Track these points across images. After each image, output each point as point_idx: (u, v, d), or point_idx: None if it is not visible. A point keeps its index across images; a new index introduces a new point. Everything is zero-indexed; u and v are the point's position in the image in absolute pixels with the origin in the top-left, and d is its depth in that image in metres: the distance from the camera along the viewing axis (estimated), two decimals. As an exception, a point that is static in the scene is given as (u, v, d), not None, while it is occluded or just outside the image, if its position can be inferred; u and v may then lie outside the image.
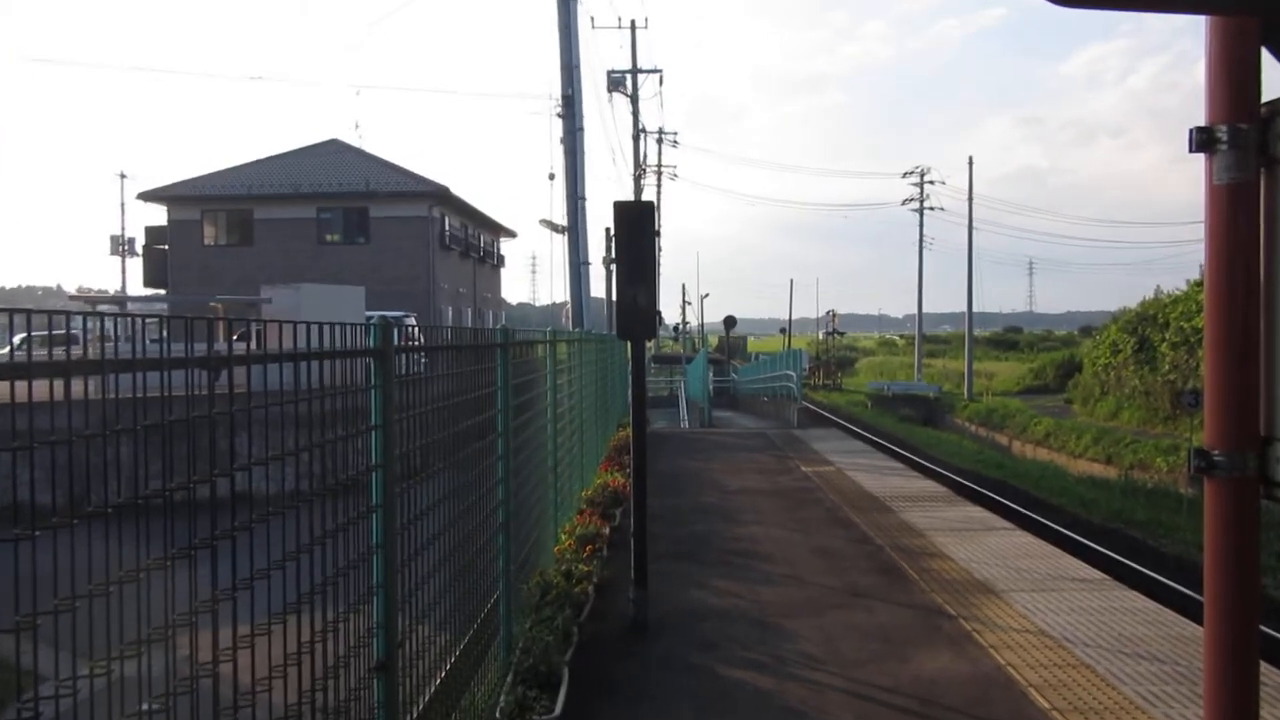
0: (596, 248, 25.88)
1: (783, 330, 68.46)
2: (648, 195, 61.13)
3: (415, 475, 3.16)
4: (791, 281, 65.70)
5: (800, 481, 11.10)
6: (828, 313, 58.12)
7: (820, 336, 66.29)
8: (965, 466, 19.91)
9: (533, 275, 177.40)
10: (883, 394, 42.60)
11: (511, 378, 4.76)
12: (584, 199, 18.13)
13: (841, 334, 57.84)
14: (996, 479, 17.86)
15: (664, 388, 40.89)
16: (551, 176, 18.18)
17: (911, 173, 49.43)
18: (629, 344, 6.41)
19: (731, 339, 59.67)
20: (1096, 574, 6.68)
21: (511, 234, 49.06)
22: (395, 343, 2.91)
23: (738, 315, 53.43)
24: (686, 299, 51.32)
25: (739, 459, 13.36)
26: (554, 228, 18.59)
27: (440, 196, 32.74)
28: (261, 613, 1.95)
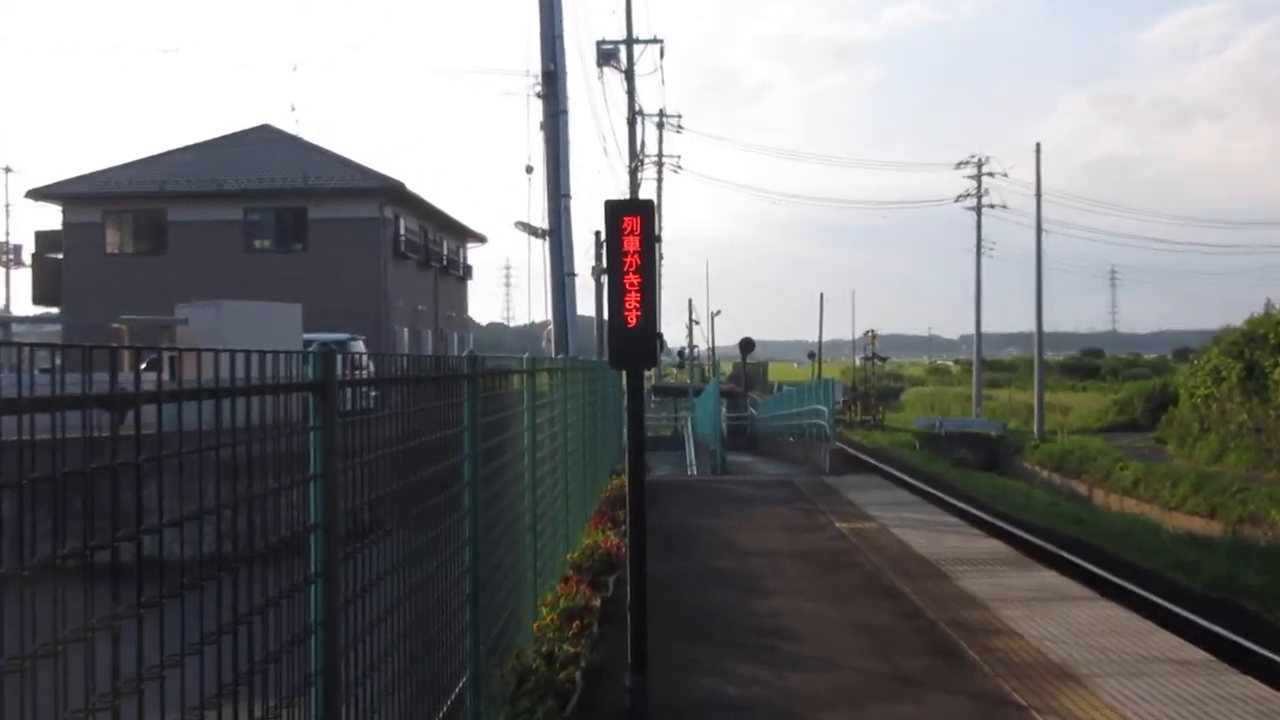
0: (584, 256, 26.09)
1: (811, 355, 68.71)
2: (646, 192, 61.62)
3: (364, 536, 3.15)
4: (822, 296, 65.57)
5: (834, 541, 11.10)
6: (866, 333, 58.30)
7: (857, 362, 66.49)
8: (1036, 522, 19.91)
9: (507, 290, 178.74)
10: (934, 432, 42.62)
11: (481, 416, 4.77)
12: (568, 196, 18.25)
13: (883, 359, 58.01)
14: (1074, 537, 17.87)
15: (667, 426, 40.93)
16: (529, 170, 18.33)
17: (967, 163, 49.83)
18: (624, 374, 6.42)
19: (749, 366, 59.83)
20: (1200, 654, 6.68)
21: (481, 239, 49.35)
22: (339, 374, 2.91)
23: (756, 337, 53.56)
24: (693, 317, 51.56)
25: (759, 513, 13.36)
26: (533, 232, 18.70)
27: (394, 194, 32.99)
28: (173, 709, 1.93)
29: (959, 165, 51.03)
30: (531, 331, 26.96)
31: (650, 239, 6.58)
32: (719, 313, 61.25)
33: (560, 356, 11.34)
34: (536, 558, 6.80)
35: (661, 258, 63.55)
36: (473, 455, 4.67)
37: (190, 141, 35.84)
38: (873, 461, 30.94)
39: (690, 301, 49.58)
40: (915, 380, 76.95)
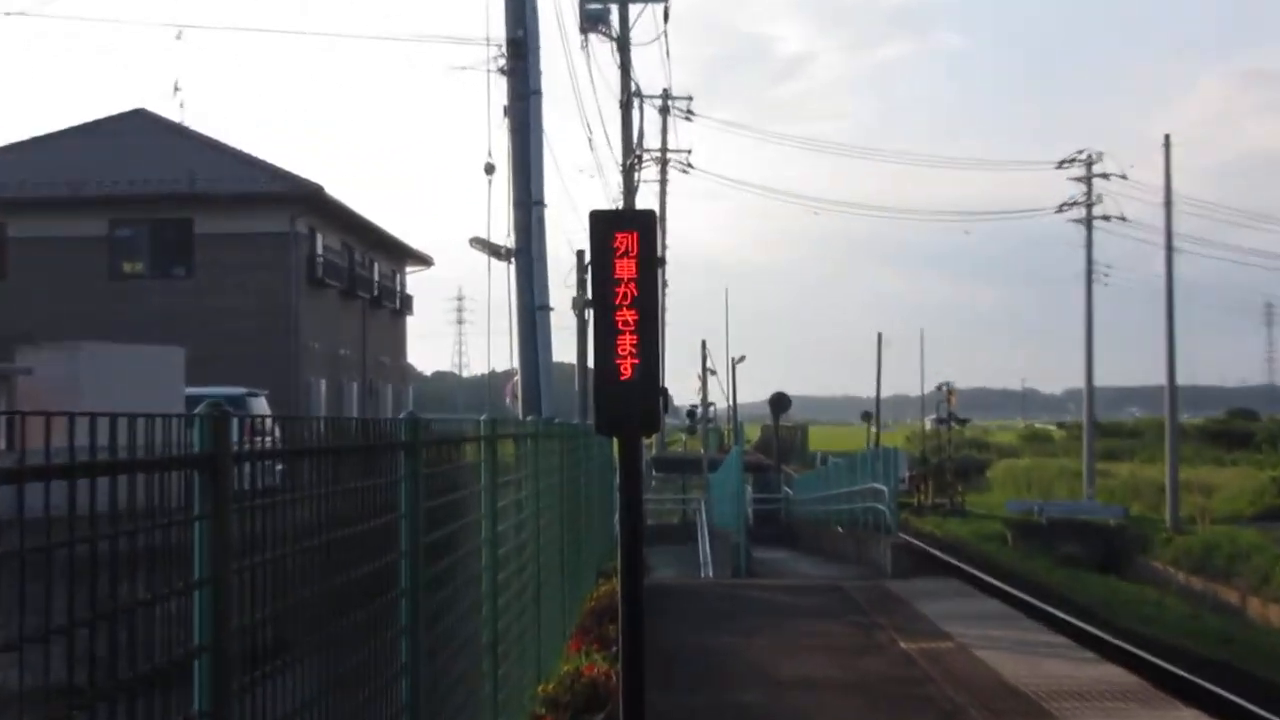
0: (563, 284, 26.18)
1: (866, 417, 68.66)
2: (645, 199, 62.08)
3: (266, 662, 3.14)
4: (880, 337, 65.28)
5: (899, 667, 11.07)
6: (940, 388, 58.32)
7: (928, 426, 66.49)
8: (1170, 641, 19.84)
9: (459, 328, 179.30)
10: (1032, 520, 42.54)
11: (424, 499, 4.78)
12: (542, 205, 18.40)
13: (962, 422, 58.02)
14: (1222, 662, 17.86)
15: (673, 511, 40.84)
16: (490, 170, 18.49)
17: (1073, 161, 49.95)
18: (615, 442, 6.45)
19: (783, 431, 59.74)
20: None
21: (425, 261, 49.60)
22: (235, 443, 2.93)
23: (793, 392, 53.73)
24: (709, 365, 51.72)
25: (797, 630, 13.33)
26: (494, 251, 18.81)
27: (311, 201, 33.34)
28: None
29: (1062, 164, 50.79)
30: (492, 384, 27.00)
31: (651, 261, 6.62)
32: (742, 359, 61.32)
33: (531, 419, 11.37)
34: (497, 689, 6.75)
35: (665, 286, 63.88)
36: (412, 552, 4.67)
37: (39, 132, 36.12)
38: (949, 560, 30.84)
39: (704, 345, 49.75)
40: (1005, 450, 76.90)
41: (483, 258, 19.49)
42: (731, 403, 60.59)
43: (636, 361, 6.38)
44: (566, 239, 67.35)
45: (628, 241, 6.54)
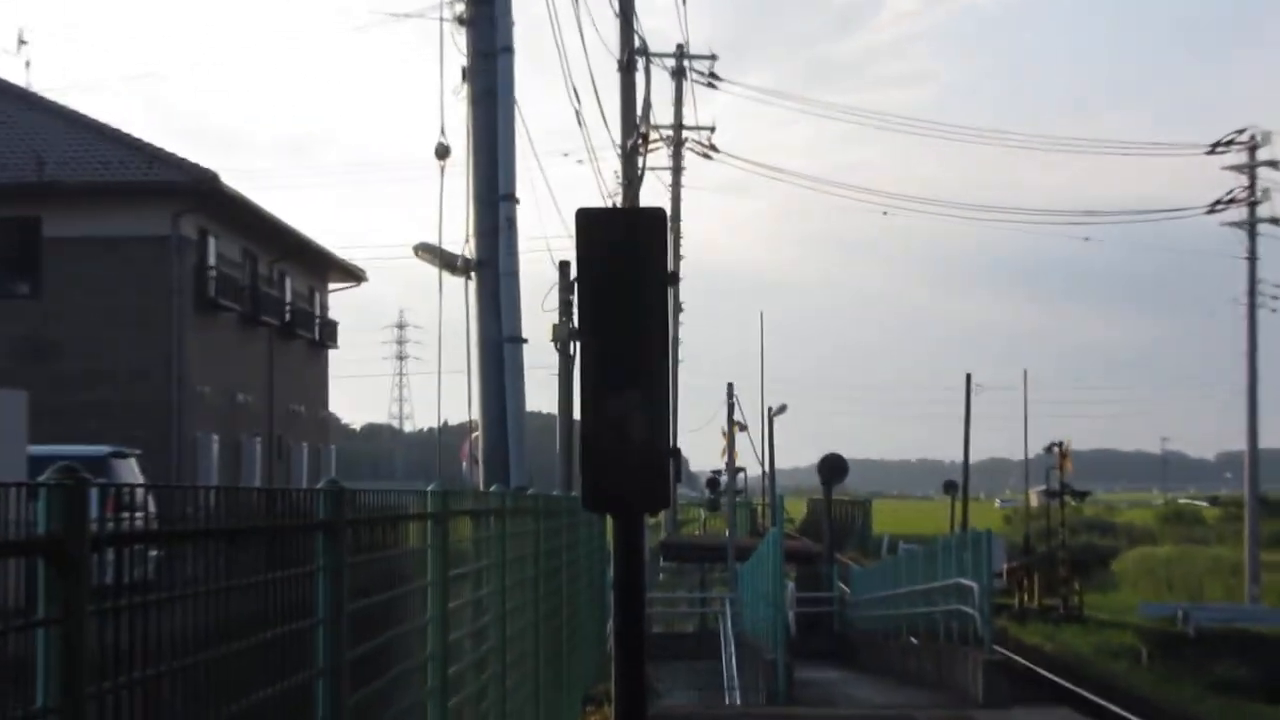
0: (539, 307, 26.15)
1: (951, 488, 68.22)
2: (651, 193, 62.16)
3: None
4: (969, 381, 65.01)
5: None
6: (1050, 449, 58.20)
7: (1034, 500, 66.43)
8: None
9: (399, 366, 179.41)
10: (1175, 629, 42.39)
11: (349, 599, 4.79)
12: (513, 200, 18.46)
13: (1081, 495, 57.87)
14: None
15: (688, 615, 40.66)
16: (443, 153, 18.55)
17: (1229, 143, 49.44)
18: (609, 521, 6.43)
19: (837, 506, 59.51)
20: None
21: (355, 276, 49.58)
22: (95, 521, 2.93)
23: (851, 454, 53.63)
24: (737, 417, 51.59)
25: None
26: (448, 263, 18.85)
27: (201, 194, 33.31)
28: None
29: (1216, 147, 50.15)
30: (444, 443, 27.01)
31: (658, 276, 6.63)
32: (782, 410, 61.17)
33: (496, 489, 11.35)
34: None
35: (679, 309, 63.86)
36: (332, 671, 4.66)
37: None
38: (1063, 683, 30.74)
39: (731, 389, 49.67)
40: (1139, 534, 76.70)
41: (432, 272, 19.52)
42: (768, 469, 60.39)
43: (638, 413, 6.42)
44: (546, 246, 67.44)
45: (628, 250, 6.59)
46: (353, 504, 4.91)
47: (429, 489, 6.74)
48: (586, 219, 6.58)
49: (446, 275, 19.05)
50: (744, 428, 51.98)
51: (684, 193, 57.83)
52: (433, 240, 19.21)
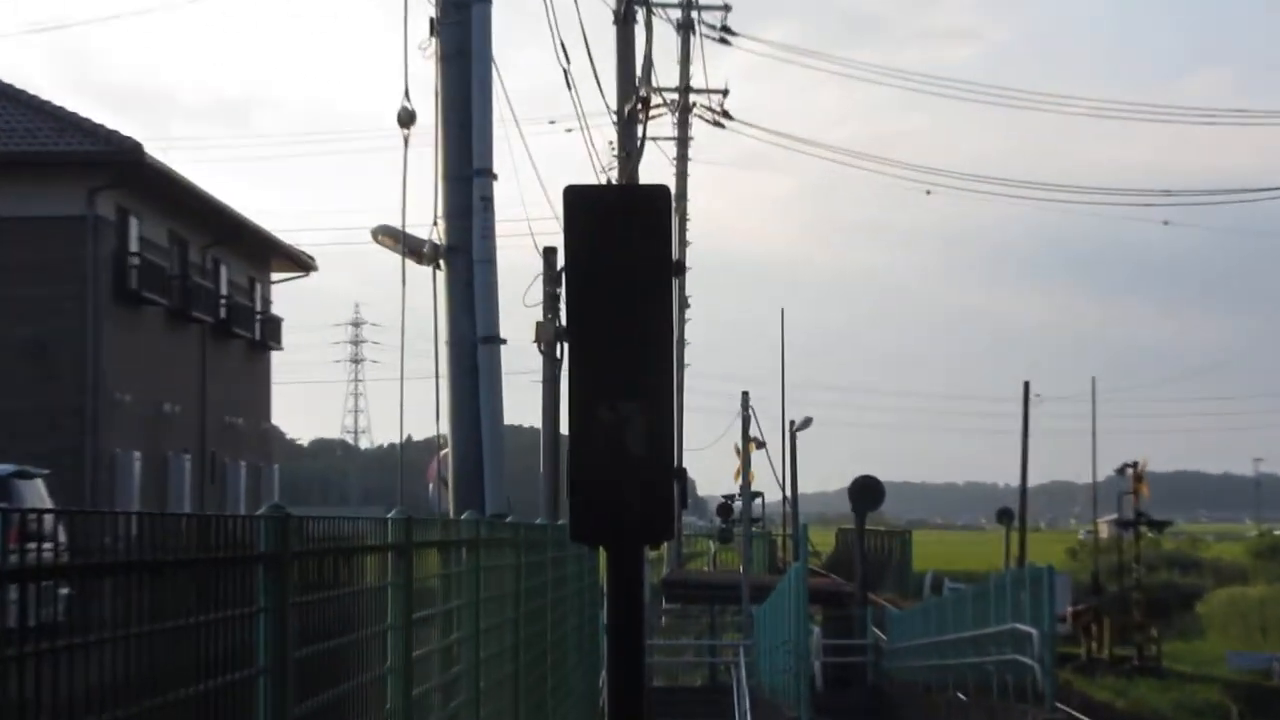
0: (520, 301, 26.05)
1: (1006, 517, 68.01)
2: (653, 168, 61.98)
3: None
4: (1026, 390, 64.81)
5: None
6: (1123, 471, 58.25)
7: (1103, 531, 66.38)
8: None
9: (354, 370, 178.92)
10: (1270, 683, 42.44)
11: (295, 645, 4.81)
12: (490, 175, 18.46)
13: (1160, 526, 57.80)
14: None
15: (695, 666, 40.67)
16: (407, 120, 18.55)
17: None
18: (601, 554, 6.44)
19: (872, 537, 59.29)
20: None
21: (303, 265, 49.41)
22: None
23: (888, 476, 53.61)
24: (753, 434, 51.60)
25: None
26: (413, 250, 18.86)
27: (122, 168, 33.59)
28: None
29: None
30: (408, 462, 27.09)
31: (661, 265, 6.64)
32: (807, 424, 61.29)
33: (468, 517, 11.35)
34: None
35: (686, 305, 63.56)
36: (276, 729, 4.67)
37: None
38: (1138, 748, 30.80)
39: (746, 400, 49.65)
40: (1227, 571, 76.60)
41: (393, 260, 19.52)
42: (789, 493, 60.43)
43: (637, 427, 6.41)
44: (529, 230, 67.37)
45: (626, 235, 6.65)
46: (300, 533, 4.91)
47: (389, 516, 6.75)
48: (576, 198, 6.60)
49: (411, 264, 19.04)
50: (761, 445, 51.96)
51: (691, 167, 57.95)
52: (395, 223, 19.21)
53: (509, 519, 13.91)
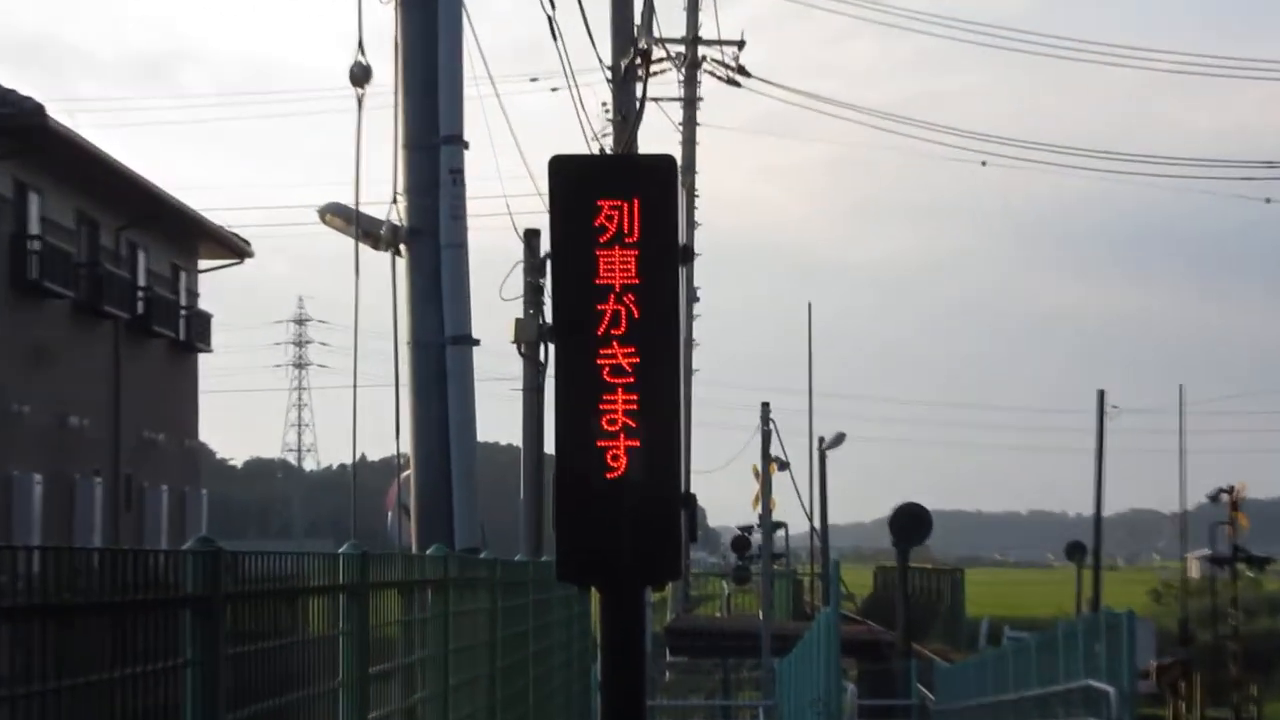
0: (496, 295, 25.98)
1: (1077, 552, 67.72)
2: (654, 135, 62.01)
3: None
4: (1101, 400, 64.59)
5: None
6: (1216, 497, 58.30)
7: (1194, 569, 66.30)
8: None
9: (297, 376, 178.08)
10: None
11: (225, 704, 4.79)
12: (460, 143, 18.47)
13: (1261, 563, 57.77)
14: None
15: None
16: (360, 77, 18.57)
17: None
18: (593, 596, 6.43)
19: (916, 575, 59.07)
20: None
21: (236, 250, 49.35)
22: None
23: (936, 504, 53.62)
24: (777, 455, 51.63)
25: None
26: (368, 232, 18.87)
27: (18, 134, 33.44)
28: None
29: None
30: (362, 486, 27.12)
31: (666, 252, 6.71)
32: (839, 441, 61.32)
33: (435, 551, 11.36)
34: None
35: (694, 299, 63.20)
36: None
37: None
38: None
39: (767, 411, 49.68)
40: (1345, 618, 76.75)
41: (345, 244, 19.52)
42: (817, 524, 60.39)
43: (636, 444, 6.44)
44: (506, 209, 67.35)
45: (622, 214, 6.64)
46: (234, 572, 4.91)
47: (341, 551, 6.74)
48: (564, 171, 6.59)
49: (365, 249, 19.05)
50: (785, 466, 51.89)
51: (701, 134, 57.77)
52: (347, 200, 19.22)
53: (484, 555, 13.90)
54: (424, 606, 8.65)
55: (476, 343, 18.68)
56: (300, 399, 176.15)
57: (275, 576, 5.85)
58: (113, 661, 4.20)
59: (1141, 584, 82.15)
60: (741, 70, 53.07)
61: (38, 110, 32.81)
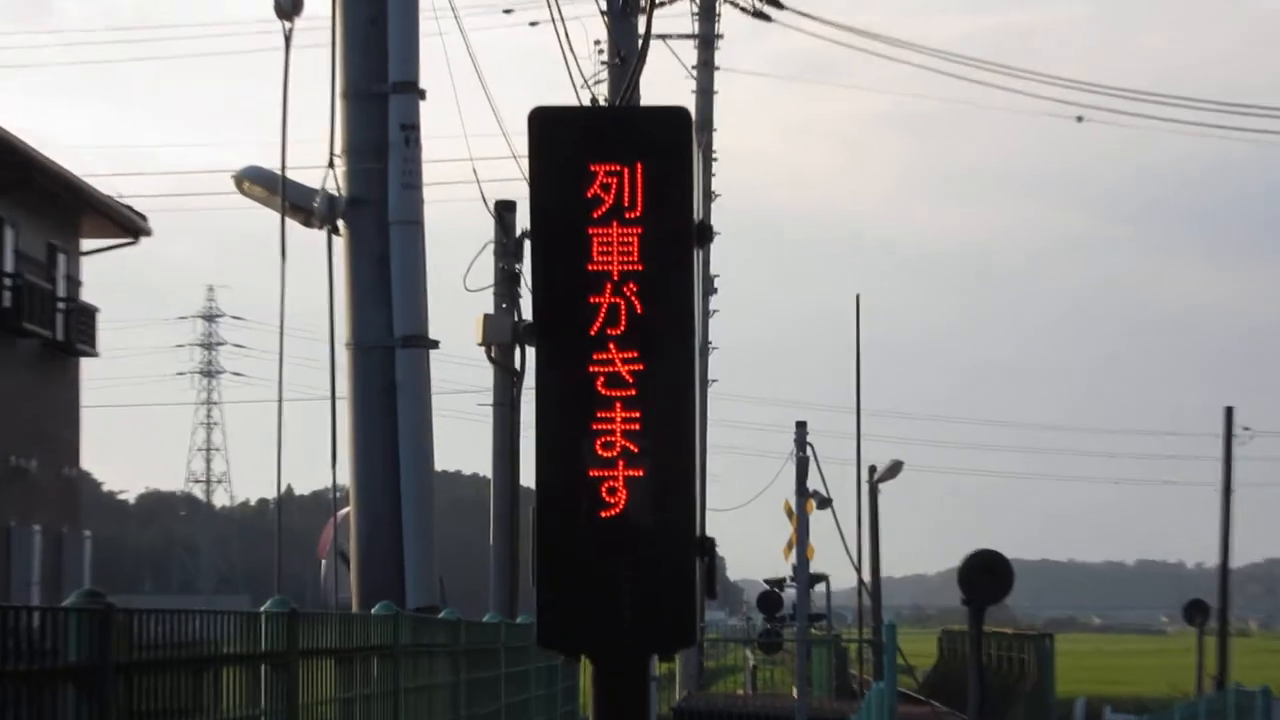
0: (459, 284, 25.96)
1: (1198, 613, 67.80)
2: (662, 85, 62.16)
3: None
4: (1229, 418, 64.61)
5: None
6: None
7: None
8: None
9: (205, 387, 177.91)
10: None
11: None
12: (412, 91, 18.51)
13: None
14: None
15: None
16: (290, 9, 18.61)
17: None
18: (585, 668, 6.43)
19: (993, 640, 59.06)
20: None
21: (129, 227, 49.32)
22: None
23: (1015, 552, 53.68)
24: (815, 489, 51.72)
25: None
26: (296, 206, 18.91)
27: None
28: None
29: None
30: (289, 527, 27.25)
31: (678, 230, 6.73)
32: (895, 471, 61.41)
33: (381, 609, 11.39)
34: None
35: (712, 289, 63.13)
36: None
37: None
38: None
39: (803, 433, 49.79)
40: None
41: (267, 219, 19.55)
42: (867, 578, 60.47)
43: (639, 473, 6.44)
44: (473, 175, 67.35)
45: (621, 182, 6.64)
46: (128, 635, 4.91)
47: (263, 609, 6.75)
48: (548, 127, 6.57)
49: (294, 225, 19.10)
50: (826, 503, 51.91)
51: (720, 81, 57.82)
52: (271, 165, 19.26)
53: (444, 614, 13.96)
54: (367, 680, 8.66)
55: (435, 345, 18.75)
56: (210, 416, 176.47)
57: (180, 642, 5.87)
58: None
59: None
60: (772, 1, 53.05)
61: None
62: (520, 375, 25.26)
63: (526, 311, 20.36)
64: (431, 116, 18.74)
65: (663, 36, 51.81)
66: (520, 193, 23.67)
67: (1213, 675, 59.13)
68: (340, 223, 18.46)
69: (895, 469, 61.19)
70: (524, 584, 22.20)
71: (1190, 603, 69.37)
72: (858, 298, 64.28)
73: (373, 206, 18.31)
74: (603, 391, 6.43)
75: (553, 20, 27.81)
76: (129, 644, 5.05)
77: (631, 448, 6.40)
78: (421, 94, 18.53)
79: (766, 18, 53.29)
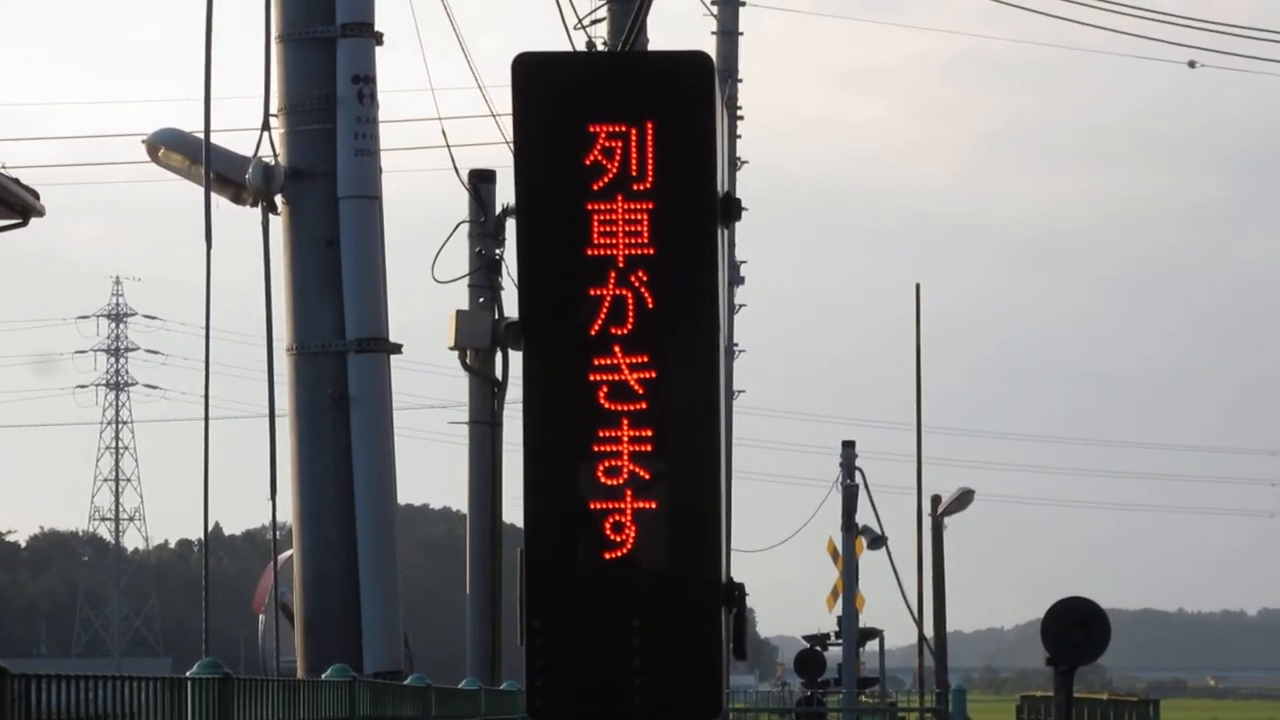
0: (422, 269, 26.05)
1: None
2: (672, 26, 62.79)
3: None
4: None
5: None
6: None
7: None
8: None
9: (112, 401, 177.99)
10: None
11: None
12: (367, 35, 18.58)
13: None
14: None
15: None
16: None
17: None
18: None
19: (1086, 707, 59.37)
20: None
21: (20, 207, 49.82)
22: None
23: (1110, 601, 53.99)
24: (865, 524, 51.96)
25: None
26: (222, 177, 18.97)
27: None
28: None
29: None
30: (219, 576, 27.46)
31: (699, 205, 6.74)
32: (964, 502, 61.63)
33: (334, 673, 11.44)
34: None
35: (739, 278, 63.10)
36: None
37: None
38: None
39: (851, 455, 50.14)
40: None
41: (187, 195, 19.61)
42: (928, 631, 60.65)
43: (652, 505, 6.44)
44: (443, 139, 67.50)
45: (627, 146, 6.64)
46: (25, 706, 4.95)
47: (189, 675, 6.78)
48: (536, 78, 6.56)
49: (221, 202, 19.16)
50: (879, 542, 52.17)
51: (747, 19, 58.07)
52: (193, 126, 19.31)
53: (410, 680, 14.01)
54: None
55: (396, 349, 18.79)
56: (119, 439, 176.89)
57: (88, 715, 5.91)
58: None
59: None
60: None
61: None
62: (503, 386, 25.37)
63: (510, 307, 20.50)
64: (390, 66, 18.78)
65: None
66: (502, 160, 23.75)
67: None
68: (279, 198, 18.50)
69: (964, 499, 61.31)
70: (509, 642, 22.30)
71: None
72: (917, 288, 64.37)
73: (319, 178, 18.35)
74: (606, 405, 6.41)
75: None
76: (25, 717, 5.10)
77: (642, 474, 6.38)
78: (378, 38, 18.57)
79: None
